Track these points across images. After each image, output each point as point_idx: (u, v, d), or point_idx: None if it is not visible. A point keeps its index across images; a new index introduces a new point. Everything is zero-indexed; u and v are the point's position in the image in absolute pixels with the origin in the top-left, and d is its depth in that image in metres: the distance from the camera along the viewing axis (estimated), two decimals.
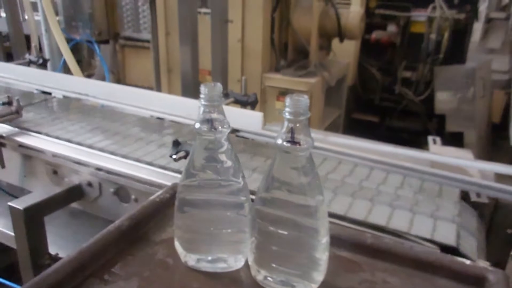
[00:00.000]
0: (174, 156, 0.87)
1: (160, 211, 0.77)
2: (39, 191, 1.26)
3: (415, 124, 3.63)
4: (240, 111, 1.18)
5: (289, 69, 2.66)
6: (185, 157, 0.88)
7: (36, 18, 2.35)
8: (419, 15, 3.31)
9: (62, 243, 1.23)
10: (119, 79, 3.35)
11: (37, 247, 1.13)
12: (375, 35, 3.44)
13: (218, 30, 1.71)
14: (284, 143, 0.54)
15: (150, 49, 3.07)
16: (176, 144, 0.89)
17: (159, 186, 1.05)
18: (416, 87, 3.47)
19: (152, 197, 0.79)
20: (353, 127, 3.58)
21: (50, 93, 1.71)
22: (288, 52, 2.76)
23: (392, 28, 3.44)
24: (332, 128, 3.05)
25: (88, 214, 1.28)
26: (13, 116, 1.28)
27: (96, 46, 1.94)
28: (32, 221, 1.10)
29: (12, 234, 1.24)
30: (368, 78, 3.61)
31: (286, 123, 0.55)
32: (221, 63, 1.77)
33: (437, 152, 1.18)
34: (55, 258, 1.19)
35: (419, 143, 2.14)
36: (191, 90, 1.64)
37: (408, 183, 1.04)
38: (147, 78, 3.17)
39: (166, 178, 1.06)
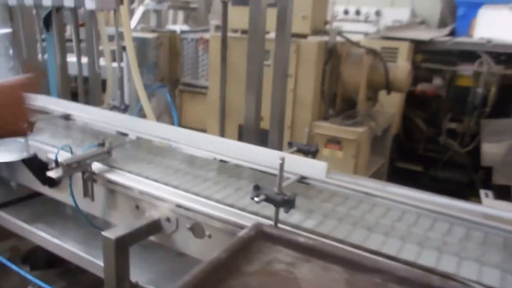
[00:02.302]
0: (256, 199, 1.00)
1: (247, 246, 0.90)
2: (123, 223, 1.43)
3: (460, 175, 3.62)
4: (306, 160, 1.30)
5: (337, 118, 2.79)
6: (265, 200, 1.01)
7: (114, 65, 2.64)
8: (466, 69, 3.39)
9: (138, 272, 1.37)
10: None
11: (122, 275, 1.27)
12: (421, 87, 3.53)
13: (279, 83, 1.89)
14: None
15: (207, 95, 3.34)
16: (257, 188, 1.02)
17: (234, 224, 1.18)
18: (461, 138, 3.50)
19: (240, 234, 0.92)
20: (397, 176, 3.61)
21: (127, 134, 1.93)
22: (336, 102, 2.91)
23: (437, 81, 3.53)
24: (376, 175, 3.11)
25: (159, 246, 1.43)
26: (105, 156, 1.47)
27: (167, 93, 2.17)
28: (120, 250, 1.25)
29: (93, 260, 1.42)
30: (412, 128, 3.68)
31: None
32: (280, 112, 1.93)
33: (491, 205, 1.25)
34: (135, 286, 1.33)
35: (464, 195, 2.17)
36: (252, 135, 1.80)
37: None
38: (201, 121, 3.40)
39: (239, 217, 1.19)
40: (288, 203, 0.99)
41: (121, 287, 1.28)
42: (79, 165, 1.39)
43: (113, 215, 1.49)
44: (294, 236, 0.93)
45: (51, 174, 1.33)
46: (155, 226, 1.35)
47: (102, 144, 1.47)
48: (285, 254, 0.90)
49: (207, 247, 1.27)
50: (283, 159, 1.00)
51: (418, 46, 3.54)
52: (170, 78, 3.64)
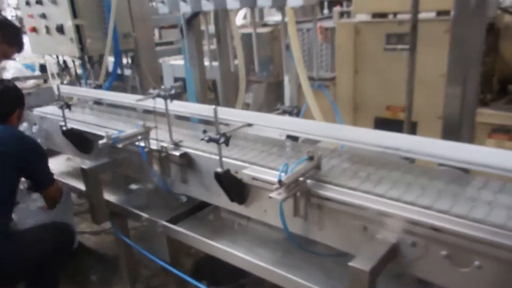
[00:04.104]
0: None
1: None
2: (347, 247, 1.26)
3: None
4: None
5: (498, 103, 2.44)
6: None
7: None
8: None
9: None
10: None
11: None
12: None
13: (473, 70, 1.61)
14: None
15: (329, 87, 3.11)
16: None
17: None
18: None
19: None
20: None
21: (297, 140, 1.77)
22: (493, 84, 2.55)
23: None
24: None
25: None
26: (316, 171, 1.30)
27: (326, 91, 1.98)
28: (372, 283, 1.07)
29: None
30: None
31: None
32: (473, 105, 1.65)
33: None
34: None
35: None
36: (455, 133, 1.54)
37: None
38: (324, 116, 3.19)
39: None
40: None
41: None
42: (297, 184, 1.23)
43: (331, 237, 1.31)
44: None
45: (275, 195, 1.18)
46: (394, 252, 1.16)
47: (311, 158, 1.30)
48: None
49: (475, 279, 1.06)
50: None
51: None
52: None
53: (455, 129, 1.56)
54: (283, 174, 1.22)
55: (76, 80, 3.19)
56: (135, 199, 2.07)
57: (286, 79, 1.96)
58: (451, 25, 1.50)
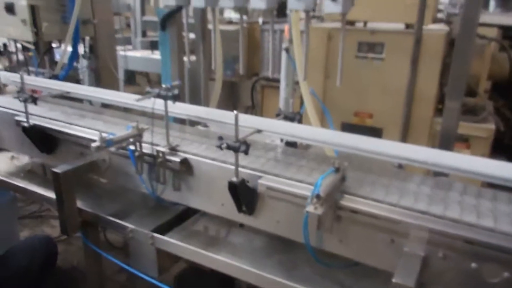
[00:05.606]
0: None
1: None
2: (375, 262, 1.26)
3: None
4: None
5: None
6: None
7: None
8: None
9: None
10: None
11: None
12: None
13: (458, 84, 1.71)
14: None
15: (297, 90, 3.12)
16: None
17: None
18: None
19: None
20: None
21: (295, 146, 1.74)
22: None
23: None
24: None
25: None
26: (341, 183, 1.28)
27: (315, 94, 1.93)
28: None
29: None
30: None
31: None
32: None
33: None
34: None
35: None
36: (449, 144, 1.63)
37: None
38: None
39: None
40: None
41: None
42: (329, 197, 1.19)
43: (353, 250, 1.30)
44: None
45: (312, 210, 1.12)
46: (426, 265, 1.18)
47: (338, 169, 1.27)
48: None
49: None
50: None
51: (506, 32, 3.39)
52: (248, 73, 3.41)
53: (449, 141, 1.64)
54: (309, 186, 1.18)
55: (17, 67, 2.80)
56: (108, 206, 1.87)
57: (283, 83, 1.91)
58: (457, 38, 1.56)
